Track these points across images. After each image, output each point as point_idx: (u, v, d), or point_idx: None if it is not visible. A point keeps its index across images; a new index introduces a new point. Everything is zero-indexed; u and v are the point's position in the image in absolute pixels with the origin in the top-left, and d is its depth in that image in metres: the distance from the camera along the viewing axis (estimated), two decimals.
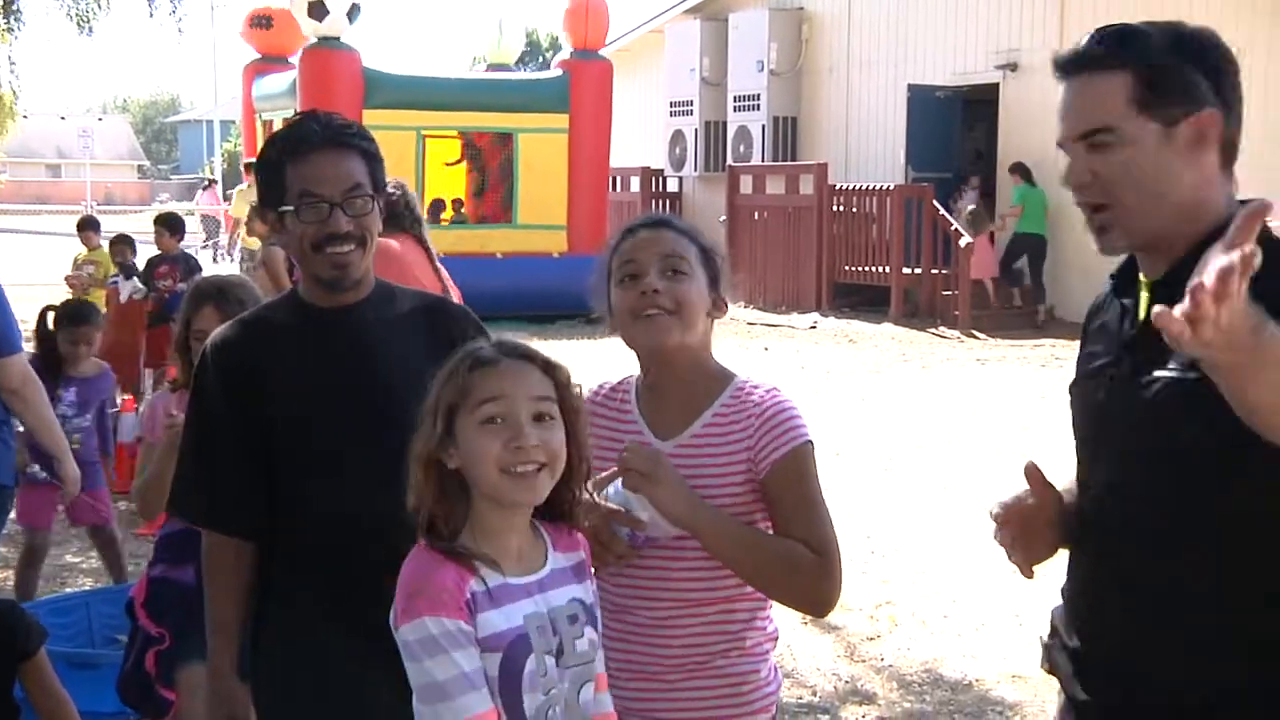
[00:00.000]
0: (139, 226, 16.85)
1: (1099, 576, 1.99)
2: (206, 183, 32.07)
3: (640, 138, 21.74)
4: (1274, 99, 13.97)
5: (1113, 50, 1.88)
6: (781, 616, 2.37)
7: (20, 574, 5.55)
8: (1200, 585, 1.85)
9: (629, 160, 20.89)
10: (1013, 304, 16.17)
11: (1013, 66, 16.59)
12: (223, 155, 42.63)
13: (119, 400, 6.31)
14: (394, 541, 2.01)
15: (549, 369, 1.98)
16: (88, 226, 11.42)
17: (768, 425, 2.20)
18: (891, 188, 16.63)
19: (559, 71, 17.41)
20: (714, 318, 2.30)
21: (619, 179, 20.65)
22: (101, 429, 5.90)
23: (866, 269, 16.76)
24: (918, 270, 16.13)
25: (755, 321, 16.20)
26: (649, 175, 21.05)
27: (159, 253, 9.66)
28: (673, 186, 21.43)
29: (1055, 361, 12.26)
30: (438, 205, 17.31)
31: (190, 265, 9.61)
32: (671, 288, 2.22)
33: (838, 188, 17.22)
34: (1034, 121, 15.08)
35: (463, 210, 18.38)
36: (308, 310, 2.55)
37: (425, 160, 16.96)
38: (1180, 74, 1.85)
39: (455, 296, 4.94)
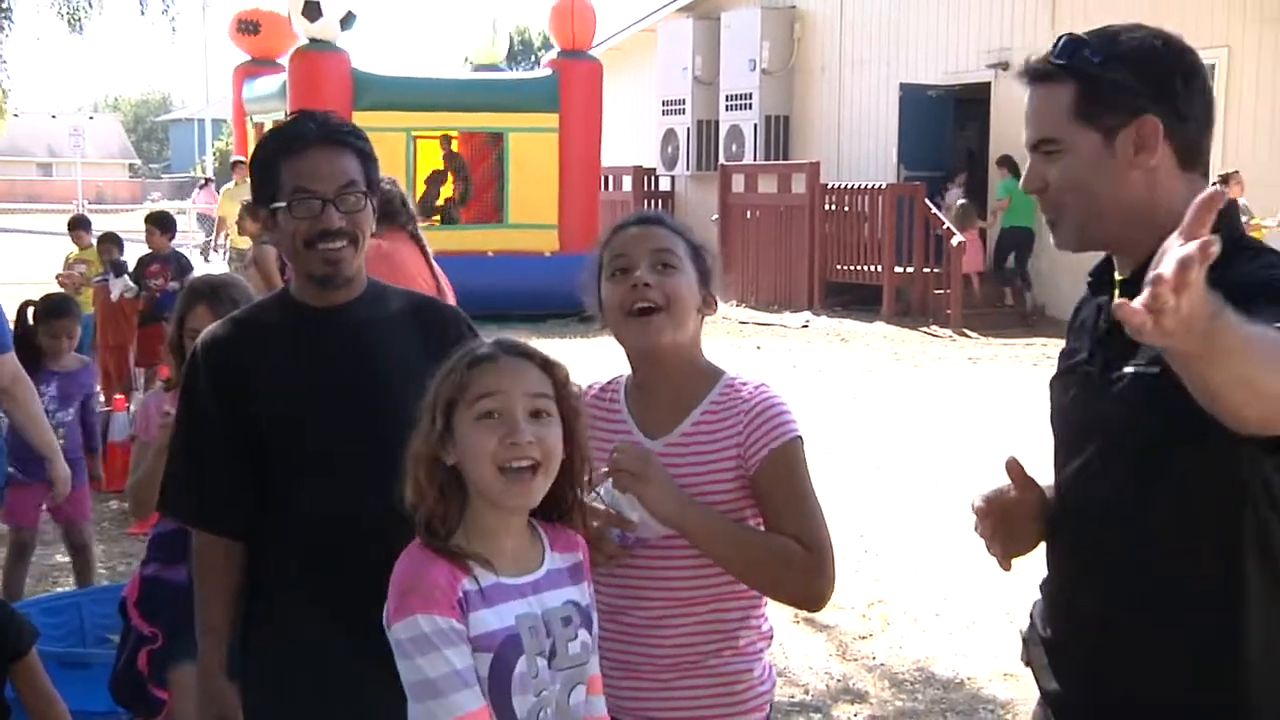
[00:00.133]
0: (130, 225, 16.84)
1: (1072, 569, 2.03)
2: (203, 181, 31.98)
3: (632, 137, 21.74)
4: (1265, 98, 14.02)
5: (1058, 62, 1.94)
6: (773, 615, 2.37)
7: (7, 573, 5.54)
8: (1169, 578, 1.88)
9: (621, 159, 20.90)
10: (1004, 302, 16.20)
11: (1004, 65, 16.59)
12: (214, 154, 42.56)
13: (99, 394, 6.29)
14: (388, 541, 2.00)
15: (547, 367, 1.98)
16: (79, 225, 11.41)
17: (757, 421, 2.20)
18: (883, 187, 16.65)
19: (548, 71, 17.42)
20: (704, 315, 2.31)
21: (611, 178, 20.66)
22: (88, 425, 5.89)
23: (858, 268, 16.78)
24: (910, 269, 16.15)
25: (747, 320, 16.21)
26: (641, 174, 21.05)
27: (150, 251, 9.64)
28: (665, 185, 21.43)
29: (1047, 360, 12.27)
30: (431, 196, 17.34)
31: (182, 264, 9.60)
32: (662, 281, 2.22)
33: (830, 187, 17.24)
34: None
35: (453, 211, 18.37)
36: (299, 309, 2.54)
37: (416, 161, 16.96)
38: (1115, 84, 1.90)
39: (450, 294, 4.94)
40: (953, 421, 9.85)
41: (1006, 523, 2.07)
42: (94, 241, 10.70)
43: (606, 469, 2.12)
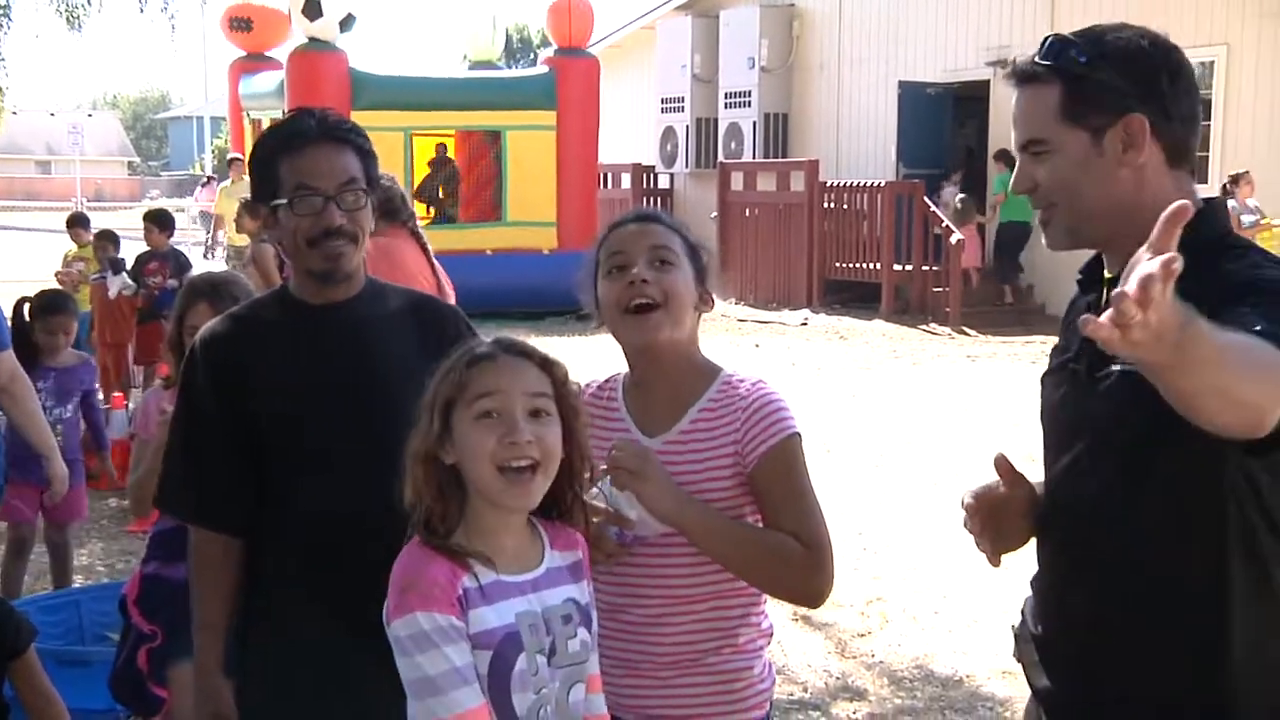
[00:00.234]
0: (129, 223, 16.83)
1: (1062, 567, 2.05)
2: (205, 179, 31.95)
3: (631, 134, 21.74)
4: (1264, 94, 14.01)
5: (1044, 63, 1.95)
6: (772, 613, 2.37)
7: (6, 571, 5.54)
8: (1158, 577, 1.89)
9: (620, 157, 20.90)
10: (1003, 301, 16.21)
11: (1003, 63, 16.47)
12: (213, 152, 42.53)
13: (99, 392, 6.30)
14: (386, 539, 2.00)
15: (546, 366, 1.97)
16: (77, 223, 11.40)
17: (754, 418, 2.20)
18: (882, 184, 16.65)
19: (545, 69, 17.41)
20: (701, 312, 2.31)
21: (610, 175, 20.65)
22: (95, 424, 5.89)
23: (857, 265, 16.78)
24: (908, 267, 16.16)
25: (746, 318, 16.20)
26: (640, 172, 21.04)
27: (149, 249, 9.64)
28: (664, 183, 21.42)
29: (1045, 358, 12.24)
30: (430, 184, 17.40)
31: (180, 262, 9.60)
32: (659, 278, 2.22)
33: (829, 184, 17.24)
34: None
35: (454, 207, 18.38)
36: (298, 307, 2.54)
37: (414, 160, 16.95)
38: (1101, 84, 1.91)
39: (450, 290, 4.94)
40: (951, 419, 9.85)
41: (996, 519, 2.08)
42: (92, 239, 10.70)
43: (605, 467, 2.12)
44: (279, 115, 13.45)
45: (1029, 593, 2.16)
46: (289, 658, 2.46)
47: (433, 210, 17.76)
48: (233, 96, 18.92)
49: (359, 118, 3.17)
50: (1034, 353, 13.11)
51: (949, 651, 5.18)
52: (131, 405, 7.80)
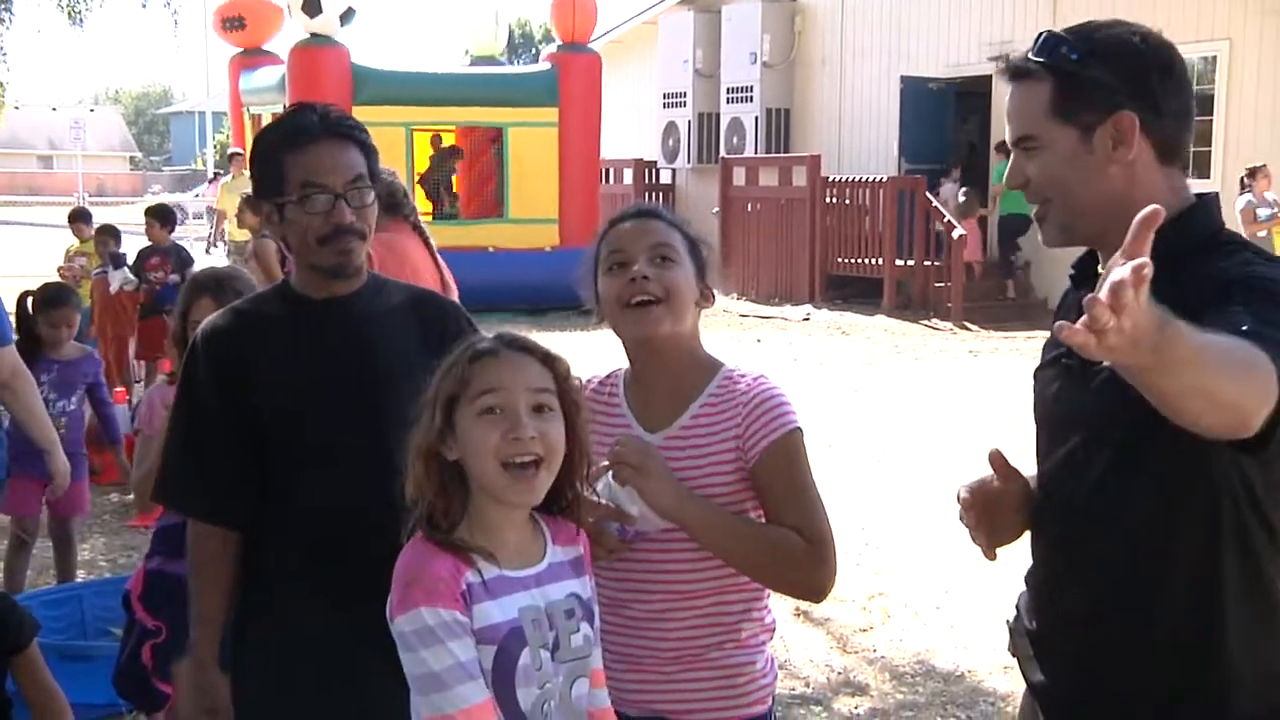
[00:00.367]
0: (131, 218, 16.83)
1: (1056, 562, 2.05)
2: (211, 175, 31.92)
3: (633, 130, 21.73)
4: (1266, 90, 14.00)
5: (1036, 60, 1.96)
6: (774, 608, 2.37)
7: (8, 565, 5.55)
8: (1152, 572, 1.89)
9: (622, 152, 20.89)
10: (1005, 296, 16.21)
11: (1005, 58, 16.59)
12: (215, 147, 42.50)
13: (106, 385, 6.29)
14: (389, 534, 2.00)
15: (548, 361, 1.97)
16: (79, 218, 11.41)
17: (755, 413, 2.20)
18: (884, 179, 16.65)
19: (547, 65, 17.39)
20: (701, 308, 2.31)
21: (612, 171, 20.65)
22: (106, 418, 5.89)
23: (859, 261, 16.78)
24: (910, 262, 16.16)
25: (748, 313, 16.20)
26: (642, 167, 21.04)
27: (150, 244, 9.64)
28: (666, 178, 21.43)
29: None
30: (436, 176, 17.39)
31: (182, 257, 9.60)
32: (660, 274, 2.22)
33: (830, 179, 17.24)
34: None
35: (454, 205, 18.38)
36: (300, 301, 2.54)
37: (414, 156, 16.95)
38: (1091, 81, 1.91)
39: (453, 285, 4.94)
40: (954, 414, 9.85)
41: (990, 513, 2.09)
42: (94, 234, 10.70)
43: (606, 462, 2.12)
44: (280, 110, 13.45)
45: (1024, 587, 2.16)
46: (290, 652, 2.45)
47: (442, 200, 17.72)
48: (233, 91, 18.92)
49: (360, 113, 3.17)
50: (1036, 348, 12.92)
51: (951, 646, 5.19)
52: (133, 400, 7.80)
